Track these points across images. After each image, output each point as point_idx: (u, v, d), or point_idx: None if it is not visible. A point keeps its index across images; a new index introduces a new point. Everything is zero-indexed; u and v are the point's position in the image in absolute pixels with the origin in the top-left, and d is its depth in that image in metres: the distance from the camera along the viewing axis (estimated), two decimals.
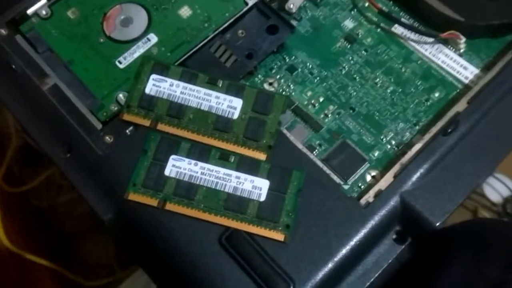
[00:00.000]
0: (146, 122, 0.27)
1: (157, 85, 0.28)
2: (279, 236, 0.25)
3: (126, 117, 0.28)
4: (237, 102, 0.28)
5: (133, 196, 0.26)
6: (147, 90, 0.28)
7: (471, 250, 0.47)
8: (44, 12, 0.31)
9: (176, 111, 0.27)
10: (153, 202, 0.26)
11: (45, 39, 0.30)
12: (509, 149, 0.27)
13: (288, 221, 0.25)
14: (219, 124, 0.27)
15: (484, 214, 0.96)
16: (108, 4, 0.31)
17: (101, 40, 0.30)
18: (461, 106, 0.28)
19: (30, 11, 0.31)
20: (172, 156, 0.26)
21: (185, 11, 0.31)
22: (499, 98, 0.28)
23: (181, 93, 0.28)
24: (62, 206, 0.70)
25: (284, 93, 0.30)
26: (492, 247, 0.49)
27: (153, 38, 0.30)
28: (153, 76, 0.28)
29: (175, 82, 0.28)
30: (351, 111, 0.30)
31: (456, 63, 0.30)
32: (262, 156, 0.27)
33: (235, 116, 0.27)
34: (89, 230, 0.68)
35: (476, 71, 0.30)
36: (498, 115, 0.27)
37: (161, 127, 0.27)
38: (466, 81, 0.30)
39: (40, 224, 0.70)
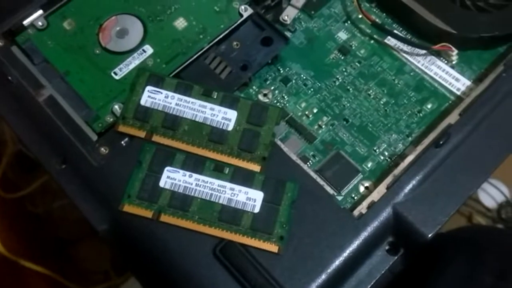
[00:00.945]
0: (141, 134, 0.28)
1: (152, 97, 0.28)
2: (273, 247, 0.25)
3: (122, 128, 0.28)
4: (232, 114, 0.28)
5: (127, 208, 0.26)
6: (142, 102, 0.28)
7: (465, 256, 0.48)
8: (40, 23, 0.31)
9: (171, 123, 0.28)
10: (148, 214, 0.26)
11: (41, 50, 0.30)
12: (501, 160, 0.27)
13: (282, 232, 0.25)
14: (214, 136, 0.27)
15: (478, 219, 0.96)
16: (104, 15, 0.31)
17: (97, 51, 0.30)
18: (453, 117, 0.28)
19: (26, 22, 0.31)
20: (167, 168, 0.26)
21: (180, 23, 0.31)
22: (490, 110, 0.28)
23: (176, 104, 0.28)
24: (58, 212, 0.70)
25: (278, 104, 0.30)
26: (486, 253, 0.49)
27: (149, 49, 0.31)
28: (148, 87, 0.28)
29: (170, 93, 0.28)
30: (344, 122, 0.30)
31: (448, 75, 0.31)
32: (256, 168, 0.27)
33: (230, 128, 0.28)
34: (84, 236, 0.68)
35: (468, 82, 0.31)
36: (489, 127, 0.28)
37: (156, 138, 0.27)
38: (458, 93, 0.30)
39: (35, 230, 0.70)
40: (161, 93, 0.28)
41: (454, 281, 0.42)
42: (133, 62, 0.30)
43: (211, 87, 0.29)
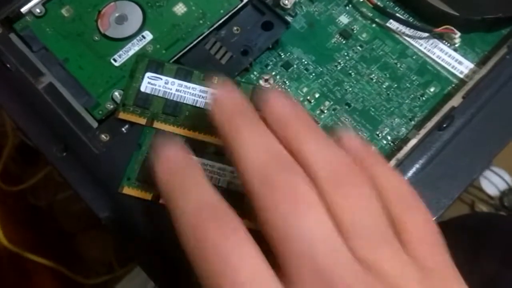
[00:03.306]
0: (142, 121, 0.27)
1: (152, 83, 0.28)
2: None
3: (122, 115, 0.27)
4: None
5: (127, 190, 0.26)
6: (142, 88, 0.28)
7: (468, 243, 0.48)
8: (38, 10, 0.30)
9: (172, 109, 0.27)
10: (147, 196, 0.26)
11: (39, 37, 0.30)
12: (505, 143, 0.27)
13: None
14: None
15: (481, 207, 0.96)
16: (102, 2, 0.31)
17: (96, 38, 0.30)
18: (456, 101, 0.28)
19: (24, 9, 0.30)
20: None
21: (179, 8, 0.31)
22: (494, 93, 0.28)
23: (177, 90, 0.28)
24: (60, 204, 0.70)
25: (280, 88, 0.30)
26: (488, 240, 0.49)
27: (148, 35, 0.30)
28: (148, 74, 0.28)
29: (170, 79, 0.28)
30: (346, 107, 0.30)
31: (451, 58, 0.30)
32: None
33: None
34: (87, 228, 0.68)
35: (471, 65, 0.30)
36: (493, 110, 0.28)
37: (157, 125, 0.27)
38: (461, 76, 0.30)
39: (38, 223, 0.70)
40: (161, 79, 0.28)
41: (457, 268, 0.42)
42: (133, 48, 0.30)
43: (211, 72, 0.28)
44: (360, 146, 0.21)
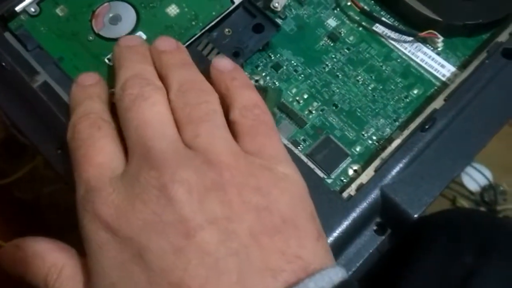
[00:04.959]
0: None
1: None
2: None
3: None
4: None
5: None
6: None
7: (447, 238, 0.49)
8: (32, 9, 0.31)
9: None
10: None
11: (34, 36, 0.30)
12: (484, 144, 0.29)
13: None
14: None
15: (462, 202, 0.98)
16: (97, 1, 0.31)
17: (90, 37, 0.31)
18: (438, 103, 0.30)
19: (18, 8, 0.31)
20: None
21: (172, 10, 0.32)
22: (474, 95, 0.29)
23: None
24: (47, 199, 0.70)
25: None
26: (467, 235, 0.51)
27: (142, 36, 0.31)
28: None
29: None
30: (334, 107, 0.31)
31: (434, 61, 0.32)
32: None
33: None
34: (75, 223, 0.68)
35: (453, 69, 0.32)
36: (473, 112, 0.29)
37: None
38: (444, 79, 0.31)
39: (24, 217, 0.70)
40: None
41: (436, 260, 0.44)
42: None
43: None
44: (226, 66, 0.26)
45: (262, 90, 0.29)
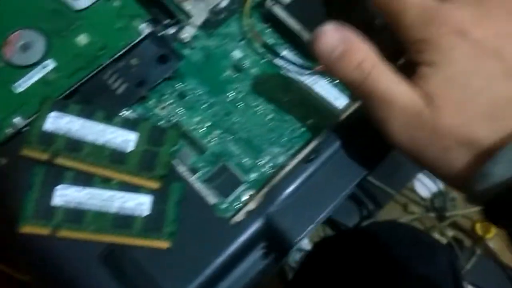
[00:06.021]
0: (44, 156, 0.29)
1: (56, 122, 0.30)
2: (163, 244, 0.29)
3: (25, 152, 0.29)
4: (132, 136, 0.30)
5: (25, 229, 0.28)
6: (46, 126, 0.30)
7: (372, 250, 0.53)
8: None
9: (73, 146, 0.30)
10: (45, 231, 0.28)
11: None
12: (359, 178, 0.31)
13: (172, 229, 0.29)
14: (115, 157, 0.30)
15: (413, 208, 1.03)
16: (8, 29, 0.33)
17: (0, 65, 0.32)
18: (325, 134, 0.32)
19: None
20: (59, 186, 0.29)
21: (83, 39, 0.33)
22: (359, 127, 0.32)
23: (79, 129, 0.30)
24: None
25: (174, 117, 0.33)
26: (389, 248, 0.55)
27: (51, 63, 0.32)
28: (52, 113, 0.30)
29: (74, 118, 0.30)
30: (233, 136, 0.33)
31: (329, 94, 0.34)
32: (155, 185, 0.30)
33: (130, 149, 0.30)
34: None
35: (346, 101, 0.34)
36: (357, 144, 0.31)
37: (59, 161, 0.29)
38: (337, 110, 0.34)
39: None
40: (65, 118, 0.30)
41: (356, 270, 0.47)
42: (36, 76, 0.32)
43: (112, 111, 0.31)
44: None
45: (161, 132, 0.31)
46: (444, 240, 0.95)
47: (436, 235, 0.97)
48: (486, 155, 0.24)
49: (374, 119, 0.27)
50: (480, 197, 0.24)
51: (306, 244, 0.84)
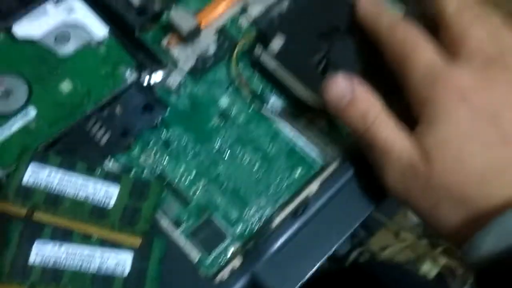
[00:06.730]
0: (22, 212, 0.28)
1: (35, 175, 0.29)
2: None
3: (2, 207, 0.28)
4: (114, 190, 0.30)
5: None
6: (24, 180, 0.29)
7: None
8: None
9: (53, 201, 0.29)
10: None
11: None
12: (353, 229, 0.31)
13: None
14: (96, 212, 0.29)
15: (405, 235, 1.02)
16: None
17: None
18: (314, 187, 0.31)
19: None
20: (36, 242, 0.28)
21: (66, 86, 0.32)
22: (347, 181, 0.31)
23: (59, 182, 0.29)
24: None
25: (159, 167, 0.32)
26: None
27: (33, 111, 0.31)
28: (32, 165, 0.29)
29: (54, 171, 0.29)
30: (219, 186, 0.32)
31: (314, 145, 0.33)
32: (137, 241, 0.29)
33: (112, 204, 0.29)
34: None
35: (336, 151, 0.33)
36: (344, 198, 0.31)
37: (38, 216, 0.28)
38: (324, 162, 0.33)
39: None
40: (45, 170, 0.29)
41: None
42: (16, 123, 0.31)
43: (95, 162, 0.30)
44: None
45: (144, 185, 0.30)
46: (435, 270, 0.94)
47: (428, 263, 0.96)
48: (476, 217, 0.24)
49: (373, 165, 0.29)
50: (471, 265, 0.23)
51: None
